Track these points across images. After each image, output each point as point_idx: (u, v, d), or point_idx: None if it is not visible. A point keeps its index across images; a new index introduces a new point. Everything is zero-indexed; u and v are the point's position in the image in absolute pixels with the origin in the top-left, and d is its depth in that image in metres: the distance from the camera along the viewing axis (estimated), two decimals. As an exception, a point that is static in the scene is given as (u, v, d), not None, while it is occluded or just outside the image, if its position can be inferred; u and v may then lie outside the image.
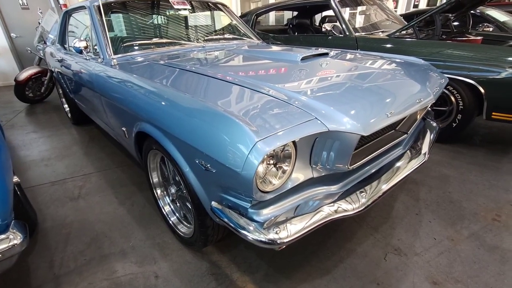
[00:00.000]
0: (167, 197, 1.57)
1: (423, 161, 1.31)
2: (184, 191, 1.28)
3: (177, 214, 1.53)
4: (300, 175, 0.99)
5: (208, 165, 0.94)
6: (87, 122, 3.34)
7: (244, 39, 2.49)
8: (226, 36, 2.49)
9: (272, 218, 0.92)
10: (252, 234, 0.89)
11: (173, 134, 1.08)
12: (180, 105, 1.09)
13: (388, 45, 2.78)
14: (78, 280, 1.37)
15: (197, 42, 2.22)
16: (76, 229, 1.70)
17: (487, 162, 2.36)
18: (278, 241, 0.87)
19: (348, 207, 1.00)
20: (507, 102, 2.23)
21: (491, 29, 4.29)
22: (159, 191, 1.59)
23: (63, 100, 3.46)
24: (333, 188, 1.07)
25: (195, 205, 1.18)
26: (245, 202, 0.94)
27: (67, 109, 3.43)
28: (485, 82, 2.25)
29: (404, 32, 3.04)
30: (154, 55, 1.88)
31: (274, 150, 0.83)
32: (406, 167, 1.24)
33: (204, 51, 2.05)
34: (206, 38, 2.34)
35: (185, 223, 1.48)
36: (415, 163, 1.28)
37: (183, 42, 2.15)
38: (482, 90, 2.27)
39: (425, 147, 1.46)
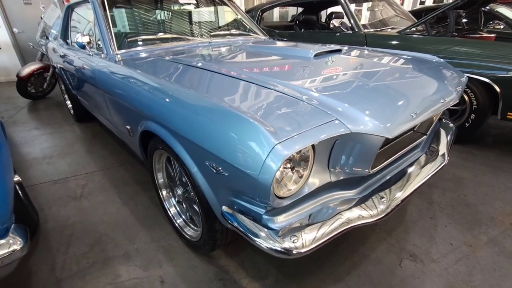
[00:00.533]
0: (173, 199, 1.52)
1: (443, 163, 1.24)
2: (192, 193, 1.23)
3: (183, 216, 1.48)
4: (317, 180, 0.93)
5: (220, 168, 0.88)
6: (90, 119, 3.29)
7: (251, 35, 2.41)
8: (233, 31, 2.42)
9: (288, 225, 0.86)
10: (267, 243, 0.83)
11: (181, 134, 1.01)
12: (188, 104, 1.03)
13: (400, 42, 2.69)
14: (81, 284, 1.31)
15: (203, 37, 2.15)
16: (78, 230, 1.65)
17: (501, 163, 2.28)
18: (294, 251, 0.81)
19: (368, 213, 0.94)
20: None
21: (501, 26, 4.18)
22: (164, 192, 1.53)
23: (66, 96, 3.41)
24: (351, 193, 1.01)
25: (204, 209, 1.12)
26: (259, 208, 0.88)
27: (70, 105, 3.37)
28: (501, 81, 2.17)
29: (414, 29, 2.96)
30: (159, 51, 1.82)
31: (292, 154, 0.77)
32: (426, 170, 1.17)
33: (211, 47, 1.98)
34: (212, 33, 2.27)
35: (191, 225, 1.43)
36: (435, 166, 1.22)
37: (188, 37, 2.08)
38: (498, 89, 2.19)
39: (443, 149, 1.39)
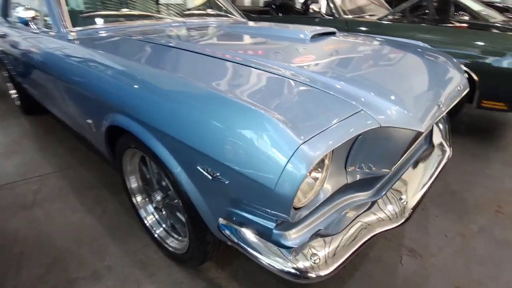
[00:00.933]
0: (150, 206, 1.29)
1: (449, 154, 1.17)
2: (175, 201, 1.03)
3: (163, 225, 1.26)
4: (333, 182, 0.79)
5: (218, 174, 0.70)
6: (41, 111, 2.83)
7: (229, 16, 2.19)
8: (209, 11, 2.17)
9: (304, 241, 0.71)
10: (280, 264, 0.68)
11: (162, 131, 0.81)
12: (170, 91, 0.82)
13: (382, 29, 2.64)
14: (37, 317, 1.07)
15: (175, 16, 1.88)
16: (32, 247, 1.36)
17: (476, 150, 2.35)
18: (314, 274, 0.67)
19: (388, 217, 0.82)
20: (500, 90, 2.21)
21: (467, 17, 4.33)
22: (139, 199, 1.30)
23: (9, 85, 2.91)
24: (365, 195, 0.88)
25: (192, 218, 0.94)
26: (268, 221, 0.71)
27: (15, 95, 2.88)
28: (479, 70, 2.20)
29: (390, 17, 2.93)
30: (124, 30, 1.53)
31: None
32: (435, 164, 1.09)
33: (186, 26, 1.73)
34: (186, 12, 2.01)
35: (175, 235, 1.22)
36: (442, 158, 1.14)
37: (159, 15, 1.80)
38: (476, 78, 2.22)
39: (438, 139, 1.33)
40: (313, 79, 0.82)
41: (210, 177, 0.72)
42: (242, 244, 0.75)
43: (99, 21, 1.57)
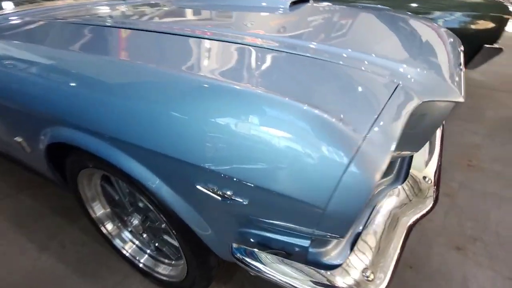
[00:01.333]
0: (125, 231, 1.05)
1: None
2: (162, 225, 0.82)
3: (148, 251, 1.04)
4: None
5: (230, 193, 0.52)
6: None
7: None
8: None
9: (347, 256, 0.58)
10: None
11: (137, 145, 0.59)
12: (141, 85, 0.60)
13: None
14: None
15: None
16: (-30, 312, 1.05)
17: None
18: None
19: (418, 201, 0.74)
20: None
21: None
22: (110, 227, 1.04)
23: None
24: (388, 180, 0.78)
25: (188, 244, 0.75)
26: (300, 239, 0.56)
27: None
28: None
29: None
30: (45, 13, 1.17)
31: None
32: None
33: (126, 5, 1.40)
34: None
35: (166, 261, 1.01)
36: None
37: (88, -7, 1.43)
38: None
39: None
40: (327, 52, 0.66)
41: (220, 198, 0.54)
42: (275, 276, 0.59)
43: (8, 5, 1.18)
